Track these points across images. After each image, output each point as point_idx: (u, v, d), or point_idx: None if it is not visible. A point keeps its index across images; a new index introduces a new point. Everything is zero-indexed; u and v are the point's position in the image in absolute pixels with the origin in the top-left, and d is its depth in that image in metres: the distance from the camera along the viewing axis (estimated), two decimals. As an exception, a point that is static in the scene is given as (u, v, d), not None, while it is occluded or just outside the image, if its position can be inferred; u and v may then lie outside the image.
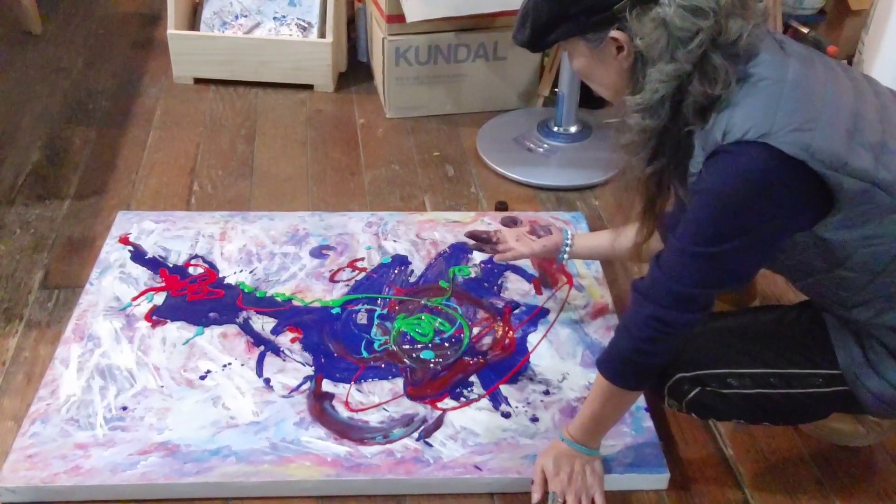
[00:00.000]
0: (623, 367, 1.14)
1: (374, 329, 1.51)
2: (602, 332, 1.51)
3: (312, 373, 1.41)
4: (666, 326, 1.08)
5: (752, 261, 1.07)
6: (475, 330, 1.52)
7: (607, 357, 1.16)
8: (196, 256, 1.66)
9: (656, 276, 1.08)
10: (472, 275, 1.64)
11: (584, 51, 1.07)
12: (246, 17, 2.35)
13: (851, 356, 1.12)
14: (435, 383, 1.41)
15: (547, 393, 1.39)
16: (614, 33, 1.01)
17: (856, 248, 1.03)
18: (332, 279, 1.62)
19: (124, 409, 1.33)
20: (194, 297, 1.56)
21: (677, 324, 1.08)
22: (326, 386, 1.39)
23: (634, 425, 1.33)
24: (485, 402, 1.38)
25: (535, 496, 1.22)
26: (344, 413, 1.35)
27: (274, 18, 2.34)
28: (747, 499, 1.28)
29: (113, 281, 1.58)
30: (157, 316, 1.51)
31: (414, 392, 1.39)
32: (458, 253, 1.70)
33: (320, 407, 1.35)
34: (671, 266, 1.06)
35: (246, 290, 1.58)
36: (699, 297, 1.07)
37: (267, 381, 1.40)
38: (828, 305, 1.15)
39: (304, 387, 1.39)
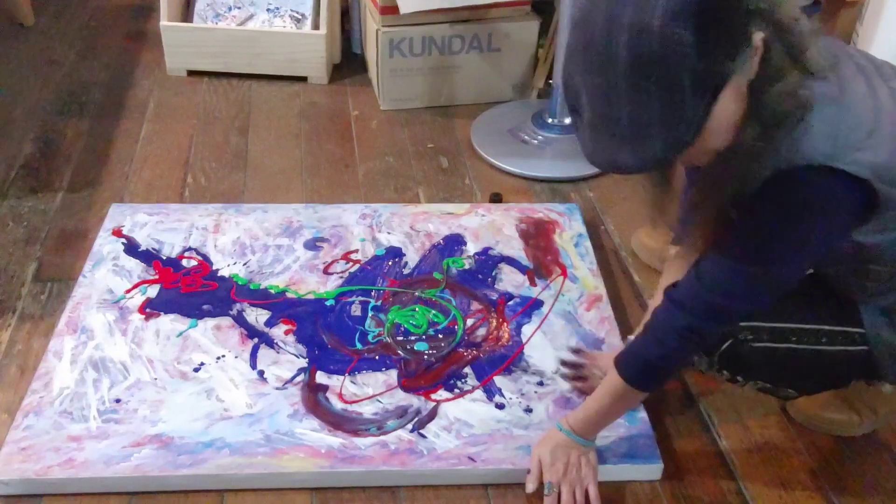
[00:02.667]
0: (646, 371, 1.15)
1: (368, 321, 1.51)
2: (596, 324, 1.51)
3: (306, 364, 1.41)
4: (700, 338, 1.09)
5: (795, 276, 1.07)
6: (469, 321, 1.52)
7: (629, 359, 1.16)
8: (189, 249, 1.65)
9: (695, 288, 1.07)
10: (467, 266, 1.64)
11: (732, 95, 0.91)
12: (239, 8, 2.34)
13: (876, 320, 1.13)
14: (429, 375, 1.41)
15: (541, 384, 1.40)
16: (756, 35, 0.89)
17: (888, 247, 1.05)
18: (326, 271, 1.61)
19: (118, 401, 1.33)
20: (188, 289, 1.55)
21: (711, 335, 1.09)
22: (320, 378, 1.39)
23: (628, 416, 1.33)
24: (479, 393, 1.38)
25: (531, 486, 1.23)
26: (338, 405, 1.35)
27: (267, 10, 2.33)
28: (741, 489, 1.28)
29: (106, 273, 1.58)
30: (151, 308, 1.51)
31: (408, 384, 1.39)
32: (452, 244, 1.69)
33: (314, 399, 1.35)
34: (713, 279, 1.06)
35: (240, 283, 1.58)
36: (738, 310, 1.08)
37: (261, 373, 1.39)
38: (848, 291, 1.15)
39: (298, 379, 1.39)
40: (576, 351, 1.46)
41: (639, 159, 0.91)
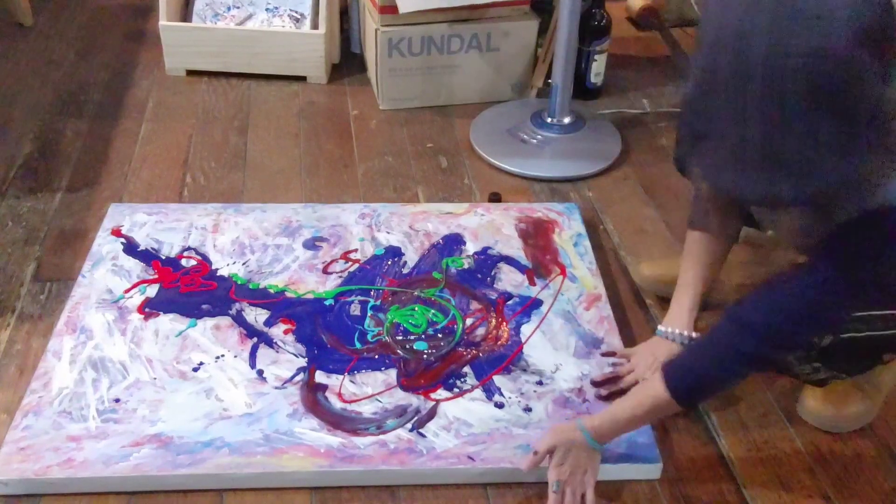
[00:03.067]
0: (697, 388, 1.13)
1: (368, 320, 1.51)
2: (595, 323, 1.51)
3: (305, 364, 1.41)
4: (762, 364, 1.09)
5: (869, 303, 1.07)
6: (468, 321, 1.52)
7: (681, 374, 1.14)
8: (189, 248, 1.65)
9: (770, 314, 1.06)
10: (466, 266, 1.64)
11: None
12: (238, 8, 2.33)
13: None
14: (428, 374, 1.41)
15: (540, 383, 1.40)
16: None
17: None
18: (325, 271, 1.61)
19: (117, 401, 1.33)
20: (187, 289, 1.55)
21: (774, 361, 1.09)
22: (320, 377, 1.39)
23: (627, 415, 1.33)
24: (478, 392, 1.38)
25: (527, 464, 1.21)
26: (337, 404, 1.35)
27: (266, 9, 2.33)
28: (740, 489, 1.28)
29: (105, 273, 1.58)
30: (150, 308, 1.51)
31: (407, 383, 1.39)
32: (451, 244, 1.70)
33: (313, 398, 1.35)
34: (793, 307, 1.04)
35: (239, 282, 1.58)
36: (810, 338, 1.08)
37: (260, 372, 1.39)
38: None
39: (298, 378, 1.38)
40: (607, 354, 1.41)
41: (802, 192, 0.85)
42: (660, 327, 1.40)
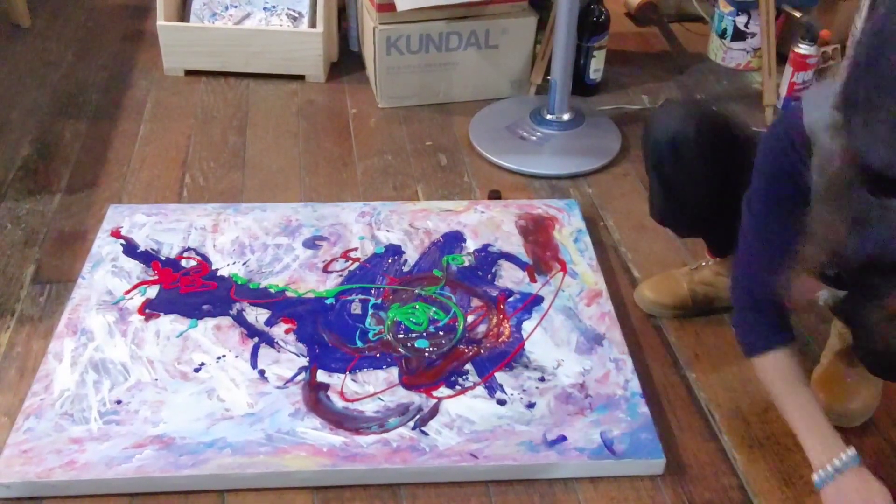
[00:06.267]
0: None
1: (369, 319, 1.51)
2: (596, 319, 1.51)
3: (307, 363, 1.41)
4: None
5: None
6: (470, 318, 1.51)
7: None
8: (188, 249, 1.65)
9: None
10: (466, 263, 1.64)
11: None
12: (236, 7, 2.33)
13: None
14: (430, 372, 1.40)
15: (542, 380, 1.39)
16: None
17: None
18: (325, 269, 1.61)
19: (119, 402, 1.33)
20: (187, 289, 1.55)
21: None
22: (321, 376, 1.39)
23: (630, 411, 1.33)
24: (480, 389, 1.38)
25: None
26: (339, 403, 1.34)
27: (264, 8, 2.33)
28: (742, 485, 1.28)
29: (105, 275, 1.57)
30: (151, 309, 1.51)
31: (409, 381, 1.39)
32: (451, 241, 1.69)
33: (315, 397, 1.35)
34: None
35: (239, 282, 1.57)
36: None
37: (261, 372, 1.39)
38: None
39: (299, 377, 1.38)
40: None
41: None
42: (815, 477, 1.17)
